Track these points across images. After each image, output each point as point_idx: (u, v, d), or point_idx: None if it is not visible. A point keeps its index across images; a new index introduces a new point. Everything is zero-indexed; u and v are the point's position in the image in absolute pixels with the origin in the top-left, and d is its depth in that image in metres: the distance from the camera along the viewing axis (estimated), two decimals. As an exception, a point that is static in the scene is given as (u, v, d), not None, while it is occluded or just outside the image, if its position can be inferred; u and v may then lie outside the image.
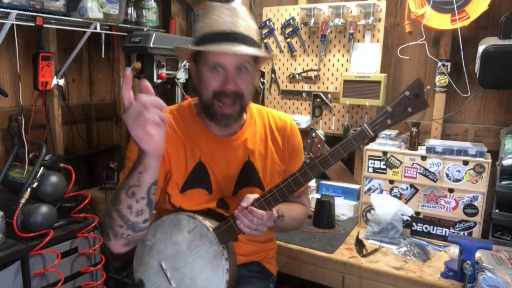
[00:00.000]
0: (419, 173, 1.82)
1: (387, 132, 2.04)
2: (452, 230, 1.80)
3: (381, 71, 2.14)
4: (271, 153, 1.35)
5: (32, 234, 1.83)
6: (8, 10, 1.89)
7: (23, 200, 1.87)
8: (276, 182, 1.33)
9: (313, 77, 2.31)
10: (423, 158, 1.80)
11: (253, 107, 1.40)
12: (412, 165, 1.83)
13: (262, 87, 2.48)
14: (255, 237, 1.37)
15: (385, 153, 1.88)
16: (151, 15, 2.55)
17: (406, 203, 1.86)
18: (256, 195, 1.15)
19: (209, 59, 1.17)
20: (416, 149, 1.86)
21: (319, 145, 2.23)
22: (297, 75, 2.36)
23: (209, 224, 1.19)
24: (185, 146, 1.28)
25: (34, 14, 2.00)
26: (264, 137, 1.36)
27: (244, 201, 1.14)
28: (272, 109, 1.47)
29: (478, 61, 1.75)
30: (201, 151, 1.29)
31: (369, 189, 1.93)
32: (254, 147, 1.33)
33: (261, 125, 1.37)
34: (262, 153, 1.34)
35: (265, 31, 2.41)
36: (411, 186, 1.85)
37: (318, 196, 2.07)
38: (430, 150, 1.80)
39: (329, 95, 2.29)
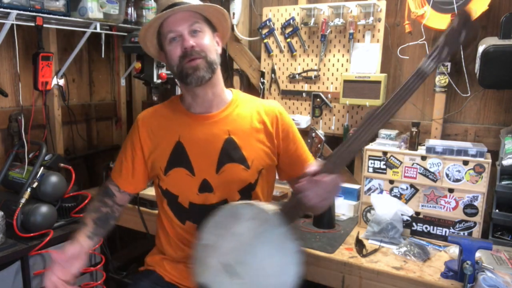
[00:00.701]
0: (419, 173, 1.82)
1: (387, 132, 2.04)
2: (452, 230, 1.80)
3: (381, 71, 2.14)
4: (256, 133, 1.35)
5: (32, 234, 1.84)
6: (8, 10, 1.89)
7: (23, 200, 1.87)
8: (264, 162, 1.36)
9: (313, 77, 2.31)
10: (423, 158, 1.80)
11: (239, 93, 1.44)
12: (412, 165, 1.83)
13: (262, 87, 2.48)
14: None
15: (385, 153, 1.88)
16: (151, 15, 2.55)
17: (406, 203, 1.86)
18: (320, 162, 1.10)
19: (165, 33, 1.28)
20: (416, 149, 1.86)
21: (319, 145, 2.23)
22: (297, 75, 2.36)
23: (271, 206, 1.13)
24: (166, 131, 1.36)
25: (34, 14, 2.00)
26: (249, 118, 1.37)
27: (309, 168, 1.08)
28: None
29: (478, 61, 1.75)
30: (180, 131, 1.34)
31: (369, 189, 1.93)
32: (236, 125, 1.35)
33: (245, 107, 1.39)
34: (246, 131, 1.35)
35: (265, 31, 2.41)
36: (411, 186, 1.85)
37: (318, 196, 2.07)
38: (430, 150, 1.80)
39: (329, 95, 2.29)
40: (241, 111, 1.38)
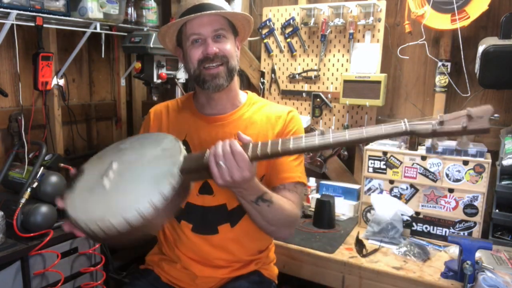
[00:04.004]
0: (419, 173, 1.82)
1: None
2: (452, 230, 1.80)
3: (381, 71, 2.14)
4: (263, 137, 1.32)
5: (32, 234, 1.83)
6: (8, 10, 1.88)
7: (23, 200, 1.87)
8: (265, 166, 1.31)
9: (313, 77, 2.31)
10: (423, 158, 1.80)
11: (256, 98, 1.42)
12: (412, 165, 1.83)
13: (262, 87, 2.48)
14: (249, 247, 1.36)
15: (385, 153, 1.88)
16: (151, 15, 2.55)
17: (406, 203, 1.86)
18: (250, 140, 1.02)
19: (187, 34, 1.26)
20: (416, 149, 1.86)
21: (319, 145, 2.23)
22: (297, 75, 2.36)
23: (186, 153, 1.04)
24: (174, 129, 1.36)
25: (34, 14, 2.00)
26: (259, 123, 1.34)
27: (240, 136, 1.03)
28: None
29: (478, 61, 1.75)
30: (188, 131, 1.34)
31: (369, 189, 1.93)
32: (242, 129, 1.31)
33: (257, 112, 1.37)
34: (251, 135, 1.28)
35: (265, 31, 2.42)
36: (411, 186, 1.85)
37: (318, 196, 2.07)
38: (430, 150, 1.80)
39: (329, 95, 2.29)
40: (252, 115, 1.35)
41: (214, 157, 0.98)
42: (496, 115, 0.91)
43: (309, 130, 2.26)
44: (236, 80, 1.37)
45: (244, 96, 1.41)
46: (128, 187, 1.02)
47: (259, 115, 1.36)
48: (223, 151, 0.98)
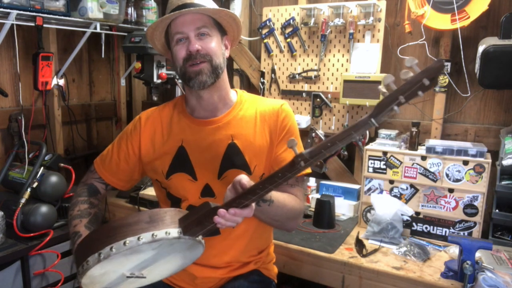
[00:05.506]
0: (419, 173, 1.82)
1: (387, 132, 2.04)
2: (452, 230, 1.80)
3: (381, 71, 2.14)
4: (259, 136, 1.32)
5: (32, 234, 1.84)
6: (8, 10, 1.89)
7: (23, 200, 1.87)
8: (265, 165, 1.31)
9: (313, 77, 2.31)
10: (423, 158, 1.80)
11: (246, 95, 1.41)
12: (412, 165, 1.83)
13: (262, 87, 2.48)
14: (248, 249, 1.37)
15: (385, 153, 1.88)
16: (151, 15, 2.55)
17: (406, 203, 1.86)
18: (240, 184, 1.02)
19: (172, 33, 1.27)
20: (416, 149, 1.86)
21: (319, 145, 2.23)
22: (297, 75, 2.36)
23: (176, 229, 0.96)
24: (169, 136, 1.35)
25: (34, 14, 2.01)
26: (253, 120, 1.33)
27: (225, 205, 1.00)
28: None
29: (478, 61, 1.75)
30: (183, 136, 1.33)
31: (369, 189, 1.93)
32: (239, 129, 1.32)
33: (250, 109, 1.36)
34: (248, 135, 1.32)
35: (265, 31, 2.42)
36: (411, 186, 1.85)
37: (318, 196, 2.07)
38: (430, 150, 1.80)
39: (329, 95, 2.29)
40: (246, 114, 1.35)
41: (225, 225, 0.99)
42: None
43: (309, 130, 2.26)
44: (226, 79, 1.35)
45: (234, 95, 1.40)
46: (167, 265, 1.08)
47: (252, 113, 1.35)
48: (232, 219, 0.99)
